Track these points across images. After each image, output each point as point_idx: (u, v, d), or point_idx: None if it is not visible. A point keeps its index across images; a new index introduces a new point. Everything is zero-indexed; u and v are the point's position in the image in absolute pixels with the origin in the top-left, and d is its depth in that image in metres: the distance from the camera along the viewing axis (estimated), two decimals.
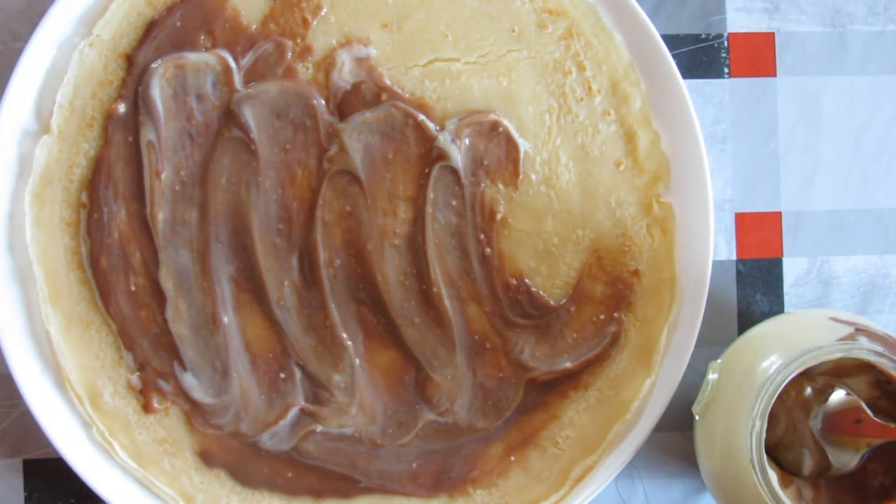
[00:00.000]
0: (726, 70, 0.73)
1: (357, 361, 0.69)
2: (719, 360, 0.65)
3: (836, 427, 0.60)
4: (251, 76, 0.68)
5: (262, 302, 0.69)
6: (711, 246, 0.68)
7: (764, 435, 0.59)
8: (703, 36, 0.73)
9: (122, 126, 0.68)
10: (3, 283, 0.68)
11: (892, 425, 0.59)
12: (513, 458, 0.69)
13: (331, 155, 0.68)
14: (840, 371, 0.62)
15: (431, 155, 0.68)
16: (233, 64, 0.68)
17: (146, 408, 0.69)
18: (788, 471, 0.62)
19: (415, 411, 0.69)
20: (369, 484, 0.69)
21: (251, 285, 0.69)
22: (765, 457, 0.59)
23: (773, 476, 0.60)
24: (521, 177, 0.69)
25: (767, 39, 0.73)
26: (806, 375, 0.61)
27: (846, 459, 0.60)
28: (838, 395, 0.61)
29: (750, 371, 0.61)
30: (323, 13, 0.69)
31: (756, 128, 0.73)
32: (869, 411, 0.60)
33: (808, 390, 0.61)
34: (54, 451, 0.68)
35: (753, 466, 0.59)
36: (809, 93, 0.73)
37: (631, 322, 0.69)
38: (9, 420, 0.72)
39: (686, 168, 0.68)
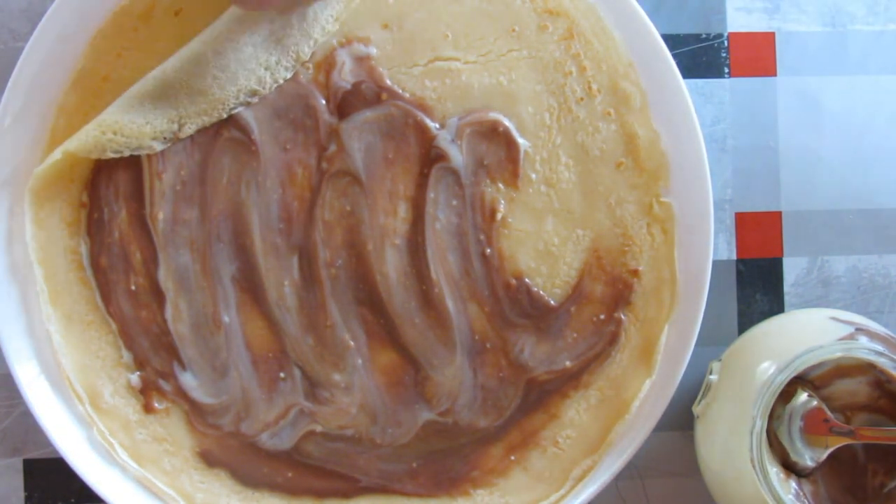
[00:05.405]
0: (726, 70, 0.73)
1: (360, 362, 0.69)
2: (719, 360, 0.65)
3: (811, 427, 0.61)
4: None
5: (262, 302, 0.69)
6: (711, 246, 0.68)
7: (764, 434, 0.59)
8: (704, 36, 0.73)
9: None
10: (3, 282, 0.68)
11: (851, 426, 0.60)
12: (513, 458, 0.69)
13: (330, 154, 0.68)
14: (840, 371, 0.62)
15: (431, 155, 0.68)
16: None
17: (146, 408, 0.69)
18: None
19: (415, 411, 0.69)
20: (369, 483, 0.69)
21: (251, 285, 0.69)
22: (766, 456, 0.59)
23: (774, 475, 0.60)
24: (521, 176, 0.69)
25: (768, 39, 0.74)
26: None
27: (817, 455, 0.61)
28: (801, 398, 0.61)
29: (750, 371, 0.61)
30: None
31: (756, 128, 0.73)
32: (830, 415, 0.60)
33: None
34: (54, 451, 0.68)
35: (754, 466, 0.59)
36: (810, 93, 0.73)
37: (631, 322, 0.69)
38: (9, 420, 0.72)
39: (686, 168, 0.68)
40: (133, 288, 0.69)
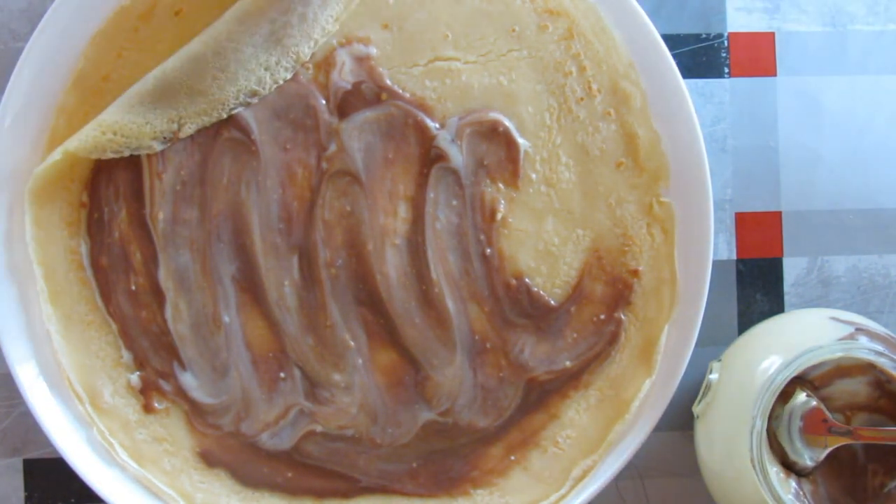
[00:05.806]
0: (726, 70, 0.73)
1: (360, 361, 0.69)
2: (719, 360, 0.65)
3: (810, 427, 0.61)
4: None
5: (262, 302, 0.69)
6: (711, 246, 0.68)
7: (765, 434, 0.59)
8: (704, 36, 0.73)
9: None
10: (3, 282, 0.68)
11: (849, 426, 0.60)
12: (513, 458, 0.69)
13: (330, 154, 0.68)
14: (840, 371, 0.62)
15: (431, 154, 0.68)
16: None
17: (146, 408, 0.69)
18: None
19: (415, 411, 0.69)
20: (369, 483, 0.69)
21: (251, 285, 0.69)
22: (766, 456, 0.59)
23: (774, 475, 0.60)
24: (521, 176, 0.69)
25: (768, 39, 0.74)
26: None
27: (816, 455, 0.61)
28: (800, 398, 0.61)
29: (750, 371, 0.61)
30: None
31: (756, 128, 0.73)
32: (829, 415, 0.60)
33: None
34: (54, 451, 0.68)
35: (754, 466, 0.59)
36: (810, 93, 0.73)
37: (631, 322, 0.69)
38: (9, 420, 0.72)
39: (686, 168, 0.68)
40: (133, 288, 0.69)
